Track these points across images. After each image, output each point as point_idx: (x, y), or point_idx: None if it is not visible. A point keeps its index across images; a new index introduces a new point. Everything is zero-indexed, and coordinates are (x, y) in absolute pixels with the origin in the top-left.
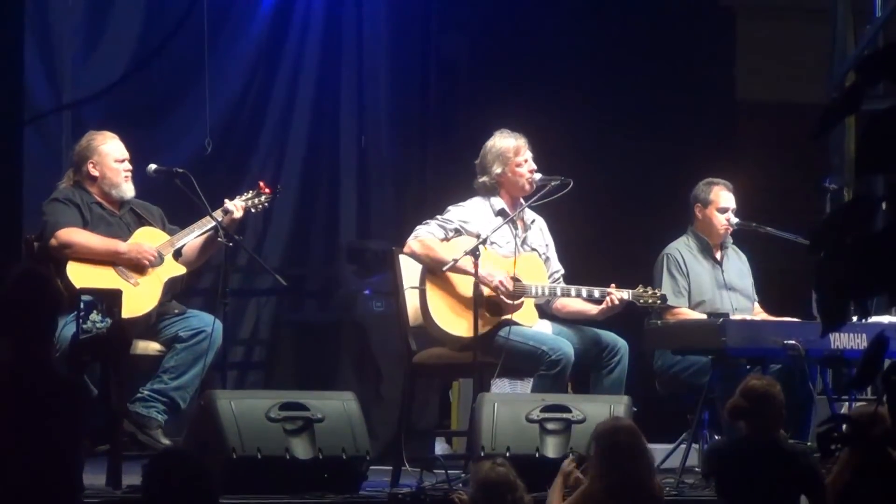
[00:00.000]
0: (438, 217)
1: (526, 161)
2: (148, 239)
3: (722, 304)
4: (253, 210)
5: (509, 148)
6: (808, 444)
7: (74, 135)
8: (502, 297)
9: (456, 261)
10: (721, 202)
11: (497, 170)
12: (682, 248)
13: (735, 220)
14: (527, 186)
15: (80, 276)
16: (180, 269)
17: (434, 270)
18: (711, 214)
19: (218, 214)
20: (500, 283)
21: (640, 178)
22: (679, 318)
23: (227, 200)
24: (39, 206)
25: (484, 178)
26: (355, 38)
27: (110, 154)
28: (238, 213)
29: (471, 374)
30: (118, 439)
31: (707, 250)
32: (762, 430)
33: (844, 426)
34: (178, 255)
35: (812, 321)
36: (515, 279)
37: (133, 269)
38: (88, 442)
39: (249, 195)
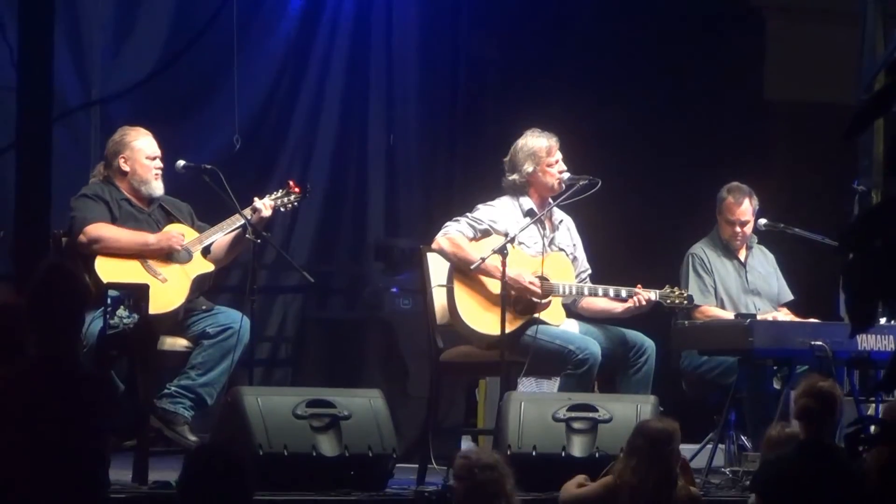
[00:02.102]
0: (468, 215)
1: (557, 161)
2: None
3: (747, 308)
4: (282, 209)
5: (542, 147)
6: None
7: (103, 131)
8: (532, 298)
9: (484, 259)
10: (728, 214)
11: (528, 168)
12: (707, 248)
13: (763, 221)
14: (556, 186)
15: (109, 271)
16: (208, 267)
17: (462, 269)
18: (721, 222)
19: (247, 212)
20: (528, 286)
21: (667, 178)
22: (707, 315)
23: (256, 199)
24: (68, 201)
25: (514, 177)
26: (384, 36)
27: (142, 150)
28: (267, 212)
29: (498, 373)
30: (145, 435)
31: (731, 251)
32: (824, 432)
33: (872, 427)
34: (206, 252)
35: (839, 322)
36: (543, 278)
37: (162, 261)
38: (115, 437)
39: (279, 194)
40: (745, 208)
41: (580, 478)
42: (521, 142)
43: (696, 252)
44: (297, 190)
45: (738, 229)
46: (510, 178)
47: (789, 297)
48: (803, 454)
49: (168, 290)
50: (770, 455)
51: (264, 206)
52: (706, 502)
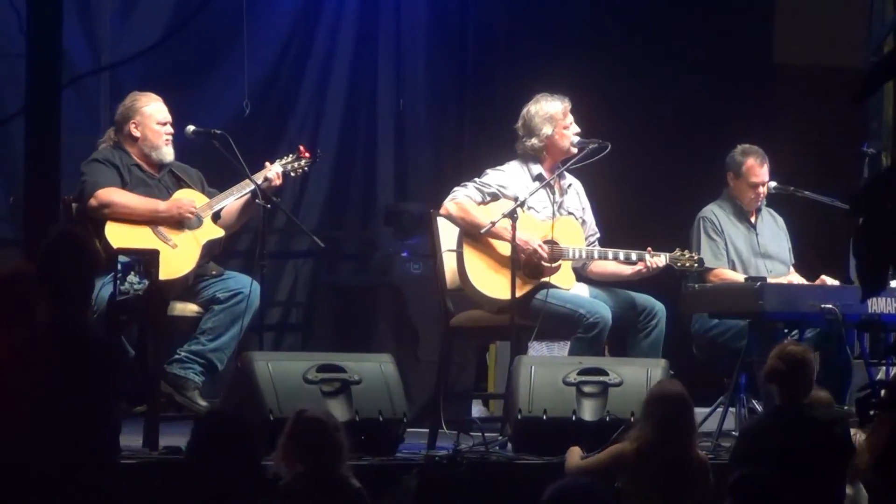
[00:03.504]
0: (476, 180)
1: (571, 123)
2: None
3: (758, 271)
4: (292, 174)
5: (558, 111)
6: (846, 407)
7: (113, 97)
8: (541, 262)
9: (493, 223)
10: (751, 177)
11: (547, 132)
12: (718, 211)
13: (773, 184)
14: (571, 149)
15: (119, 237)
16: (219, 232)
17: (471, 234)
18: (742, 186)
19: (257, 177)
20: (537, 249)
21: (677, 141)
22: (720, 278)
23: (267, 163)
24: (78, 167)
25: (532, 141)
26: (394, 0)
27: (153, 116)
28: (277, 180)
29: (508, 337)
30: (155, 401)
31: (742, 214)
32: (795, 395)
33: (882, 391)
34: (216, 217)
35: (849, 285)
36: (553, 242)
37: (172, 227)
38: (125, 403)
39: (289, 159)
40: (766, 170)
41: (576, 449)
42: (534, 107)
43: (707, 215)
44: (307, 155)
45: (760, 190)
46: (528, 143)
47: (792, 259)
48: (777, 419)
49: (178, 256)
50: (747, 423)
51: (276, 175)
52: (716, 466)
